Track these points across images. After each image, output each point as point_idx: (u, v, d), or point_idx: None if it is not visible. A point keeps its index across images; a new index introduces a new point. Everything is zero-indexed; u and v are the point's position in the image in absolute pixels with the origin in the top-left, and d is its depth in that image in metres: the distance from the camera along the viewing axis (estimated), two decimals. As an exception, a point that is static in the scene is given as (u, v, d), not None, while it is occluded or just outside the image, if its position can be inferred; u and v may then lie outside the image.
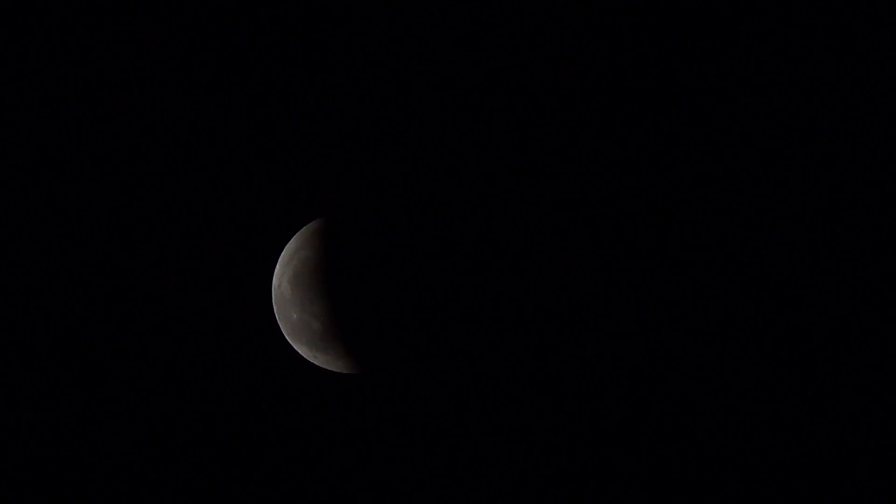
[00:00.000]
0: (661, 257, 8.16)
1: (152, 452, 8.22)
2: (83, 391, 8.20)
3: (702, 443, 8.08)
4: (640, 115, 8.18)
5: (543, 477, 8.23)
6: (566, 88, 8.24)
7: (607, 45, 8.17)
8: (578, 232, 8.21)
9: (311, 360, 7.37)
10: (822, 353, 8.00)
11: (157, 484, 8.23)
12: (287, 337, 7.37)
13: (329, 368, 7.34)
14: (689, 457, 8.09)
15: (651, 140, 8.18)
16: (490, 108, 8.30)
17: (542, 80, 8.26)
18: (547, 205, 8.24)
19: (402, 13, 8.27)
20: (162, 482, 8.23)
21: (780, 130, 8.09)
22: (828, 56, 8.00)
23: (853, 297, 7.95)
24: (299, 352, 7.38)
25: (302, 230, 7.36)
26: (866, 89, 7.96)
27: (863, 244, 7.95)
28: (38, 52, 8.19)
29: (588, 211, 8.21)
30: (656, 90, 8.15)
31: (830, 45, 7.99)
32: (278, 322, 7.38)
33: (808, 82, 8.05)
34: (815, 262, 8.02)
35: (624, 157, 8.20)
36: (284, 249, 7.42)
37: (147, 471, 8.22)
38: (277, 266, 7.39)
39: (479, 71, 8.29)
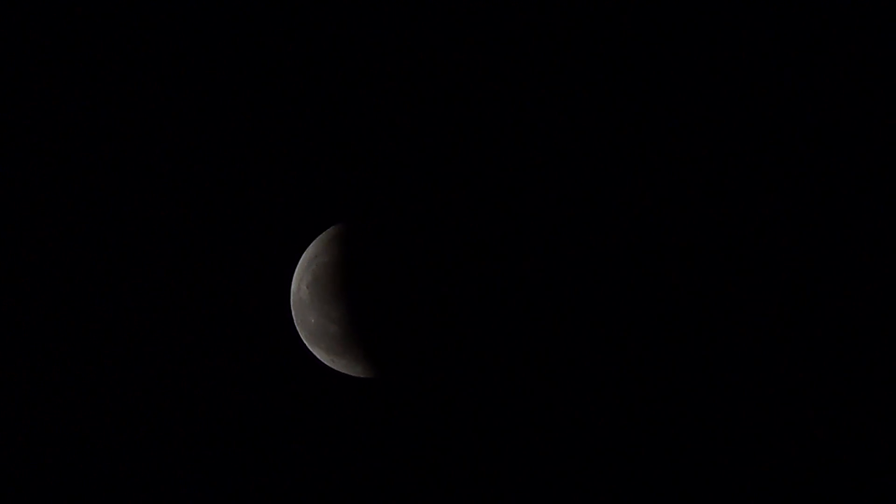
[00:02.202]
0: (676, 260, 8.14)
1: (170, 455, 8.25)
2: (101, 394, 8.24)
3: (701, 443, 8.05)
4: (650, 117, 8.16)
5: (560, 480, 8.21)
6: (588, 95, 8.24)
7: (618, 47, 8.17)
8: (598, 235, 8.20)
9: (329, 365, 7.39)
10: (822, 354, 7.96)
11: (175, 486, 8.26)
12: (305, 341, 7.39)
13: (347, 373, 7.36)
14: (688, 457, 8.06)
15: (659, 142, 8.16)
16: (510, 114, 8.30)
17: (562, 86, 8.26)
18: (568, 210, 8.24)
19: (425, 19, 8.29)
20: (180, 485, 8.26)
21: (779, 131, 8.06)
22: (827, 56, 7.96)
23: (853, 298, 7.91)
24: (317, 356, 7.39)
25: (321, 235, 7.39)
26: (866, 90, 7.92)
27: (863, 245, 7.91)
28: (51, 58, 8.26)
29: (608, 214, 8.20)
30: (658, 91, 8.14)
31: (830, 46, 7.96)
32: (296, 326, 7.40)
33: (809, 83, 8.01)
34: (814, 262, 7.99)
35: (646, 162, 8.19)
36: (303, 254, 7.44)
37: (165, 474, 8.25)
38: (296, 270, 7.42)
39: (499, 77, 8.29)
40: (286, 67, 8.34)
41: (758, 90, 8.07)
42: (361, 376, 7.31)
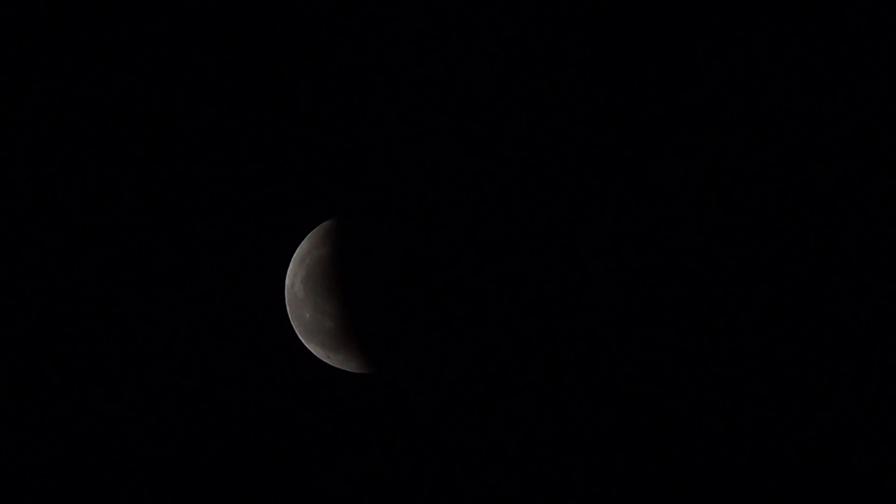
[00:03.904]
0: (673, 260, 8.14)
1: (165, 452, 8.24)
2: (96, 391, 8.22)
3: (701, 443, 8.05)
4: (649, 117, 8.15)
5: (557, 476, 8.21)
6: (579, 90, 8.22)
7: (616, 46, 8.16)
8: (596, 231, 8.18)
9: (325, 360, 7.36)
10: (822, 354, 7.96)
11: (171, 484, 8.24)
12: (300, 337, 7.36)
13: (342, 368, 7.33)
14: (688, 457, 8.06)
15: (657, 143, 8.15)
16: (505, 109, 8.28)
17: (558, 81, 8.24)
18: (563, 205, 8.22)
19: (418, 14, 8.27)
20: (175, 482, 8.24)
21: (779, 131, 8.06)
22: (827, 56, 7.96)
23: (853, 299, 7.92)
24: (312, 352, 7.37)
25: (315, 229, 7.36)
26: (866, 90, 7.92)
27: (863, 245, 7.91)
28: (46, 55, 8.22)
29: (604, 210, 8.19)
30: (657, 91, 8.13)
31: (830, 46, 7.95)
32: (291, 322, 7.37)
33: (808, 83, 8.01)
34: (814, 263, 7.99)
35: (646, 164, 8.18)
36: (297, 249, 7.41)
37: (160, 471, 8.23)
38: (290, 265, 7.38)
39: (492, 72, 8.27)
40: (281, 63, 8.31)
41: (757, 90, 8.06)
42: (357, 371, 7.29)
